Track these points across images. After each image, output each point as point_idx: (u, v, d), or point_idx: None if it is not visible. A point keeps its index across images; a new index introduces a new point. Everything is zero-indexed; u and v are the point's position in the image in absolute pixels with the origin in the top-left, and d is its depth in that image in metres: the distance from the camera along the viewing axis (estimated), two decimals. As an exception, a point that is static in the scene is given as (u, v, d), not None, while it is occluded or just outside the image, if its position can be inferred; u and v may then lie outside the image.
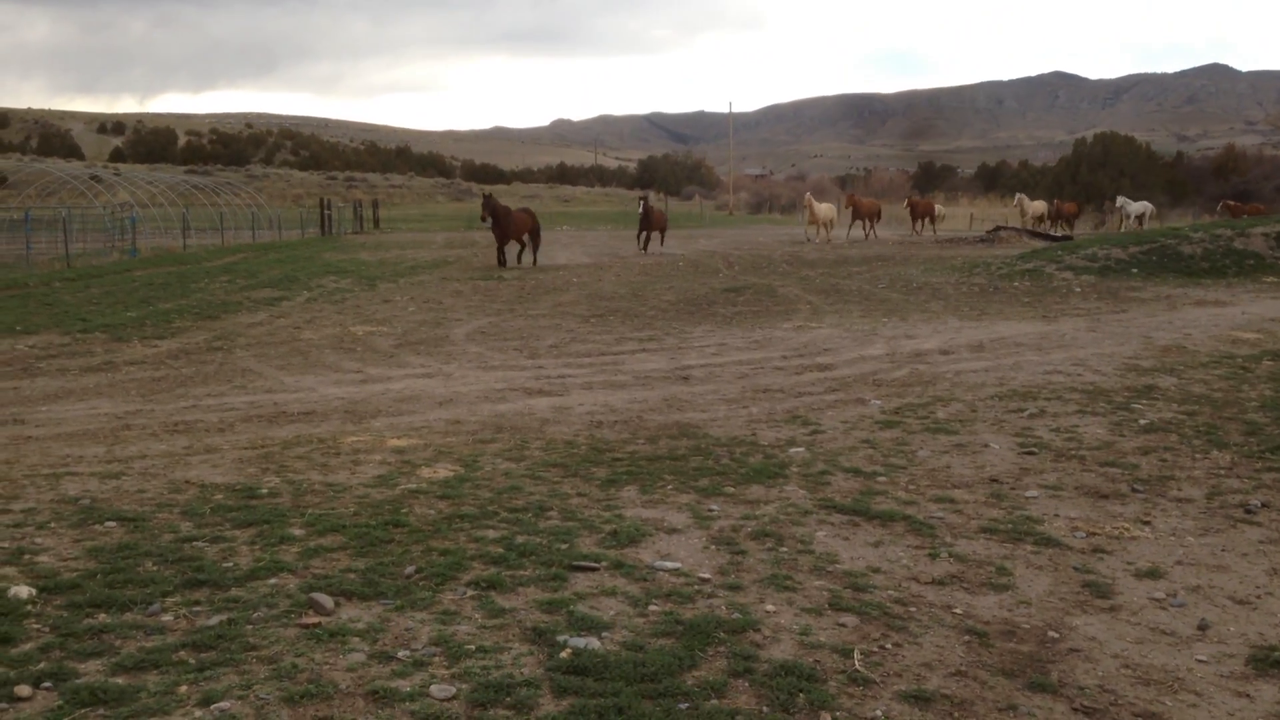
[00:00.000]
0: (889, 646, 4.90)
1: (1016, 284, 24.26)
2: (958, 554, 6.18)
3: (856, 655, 4.78)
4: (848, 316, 18.93)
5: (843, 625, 5.13)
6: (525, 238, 32.31)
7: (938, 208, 58.81)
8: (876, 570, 5.90)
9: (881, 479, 7.81)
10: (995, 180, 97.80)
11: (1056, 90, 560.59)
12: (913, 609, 5.36)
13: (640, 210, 38.08)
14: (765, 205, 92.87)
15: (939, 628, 5.14)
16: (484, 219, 31.13)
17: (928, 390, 11.52)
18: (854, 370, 12.96)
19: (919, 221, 52.09)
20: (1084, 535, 6.56)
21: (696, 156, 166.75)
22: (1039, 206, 55.24)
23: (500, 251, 31.78)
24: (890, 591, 5.59)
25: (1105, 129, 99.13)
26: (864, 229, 48.41)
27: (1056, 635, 5.09)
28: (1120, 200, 52.95)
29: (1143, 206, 52.07)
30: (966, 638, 5.03)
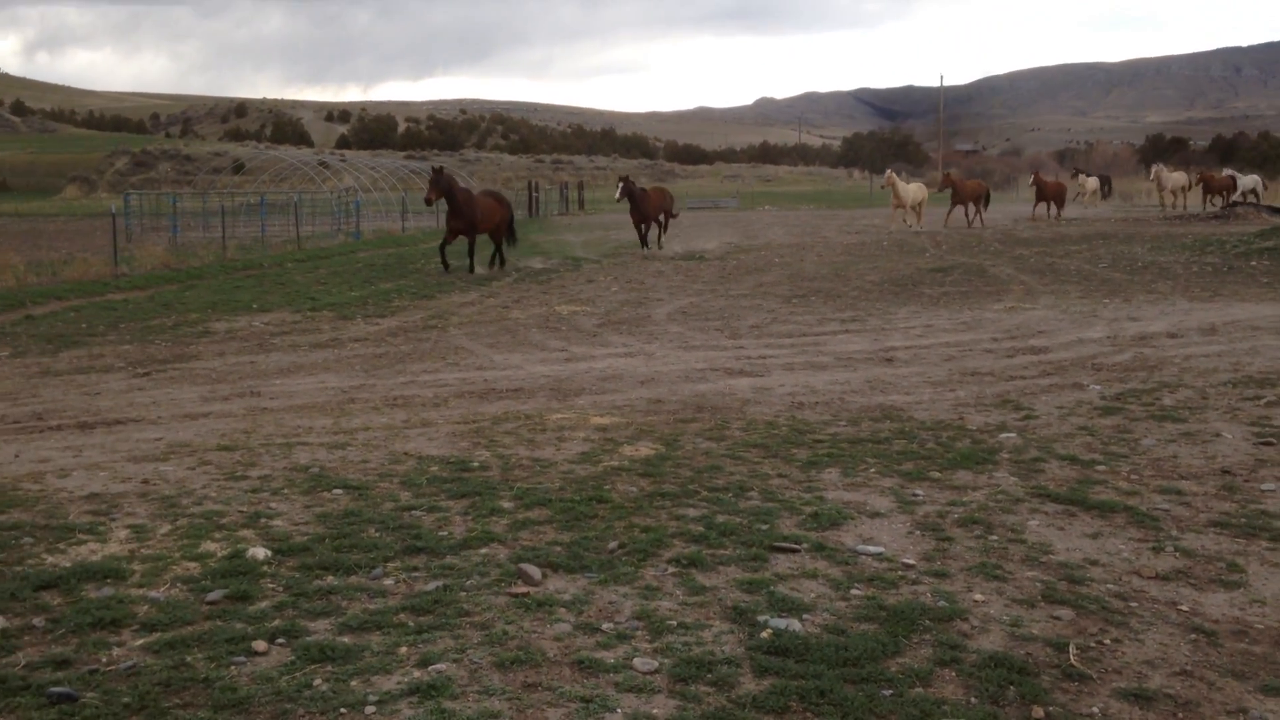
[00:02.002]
0: (1108, 642, 4.66)
1: (1254, 263, 22.57)
2: (1184, 548, 5.81)
3: (1072, 650, 4.57)
4: (1065, 297, 18.07)
5: (1057, 618, 4.91)
6: (496, 231, 25.26)
7: (1090, 182, 53.94)
8: (1094, 563, 5.62)
9: (1101, 468, 7.43)
10: (1232, 153, 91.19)
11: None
12: (1134, 604, 5.08)
13: (619, 194, 28.98)
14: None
15: (1163, 624, 4.85)
16: (429, 201, 23.44)
17: (1153, 375, 10.87)
18: (1071, 353, 12.37)
19: (1043, 204, 44.24)
20: (1330, 534, 6.05)
21: (904, 132, 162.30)
22: (1179, 179, 50.14)
23: (443, 247, 24.15)
24: (1109, 585, 5.31)
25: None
26: (967, 214, 40.39)
27: (1296, 639, 4.72)
28: (1226, 174, 48.99)
29: (1252, 181, 48.99)
30: (1193, 636, 4.73)
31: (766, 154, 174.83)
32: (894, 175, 39.50)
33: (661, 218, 31.25)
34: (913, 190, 39.27)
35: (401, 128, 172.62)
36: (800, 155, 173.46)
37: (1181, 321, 14.78)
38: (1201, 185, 48.69)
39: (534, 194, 61.49)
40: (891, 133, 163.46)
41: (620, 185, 29.22)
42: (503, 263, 25.31)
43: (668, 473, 7.36)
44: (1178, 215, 43.82)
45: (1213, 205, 47.40)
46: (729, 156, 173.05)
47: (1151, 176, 50.33)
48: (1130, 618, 4.93)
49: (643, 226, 29.93)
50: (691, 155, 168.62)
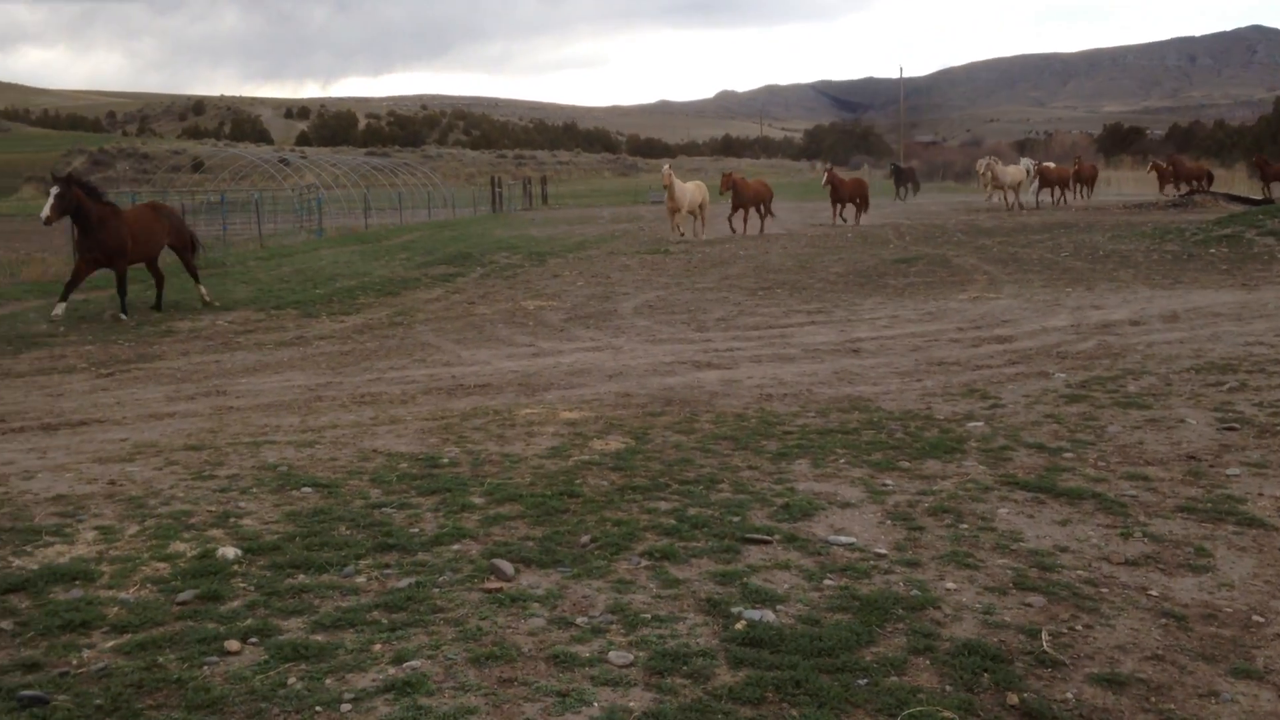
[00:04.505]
0: (1079, 628, 4.71)
1: (1213, 250, 22.86)
2: (1152, 534, 5.89)
3: (1044, 636, 4.62)
4: (1028, 286, 18.24)
5: (1029, 605, 4.96)
6: None
7: (1013, 171, 46.37)
8: (1064, 549, 5.68)
9: (1068, 455, 7.51)
10: (1188, 142, 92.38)
11: (1254, 45, 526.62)
12: (1104, 590, 5.14)
13: (49, 210, 15.52)
14: (937, 173, 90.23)
15: (1133, 610, 4.91)
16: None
17: (1117, 363, 10.99)
18: (1036, 342, 12.49)
19: (840, 206, 37.38)
20: (1292, 516, 6.14)
21: (865, 124, 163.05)
22: (1015, 173, 45.08)
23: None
24: (1079, 572, 5.37)
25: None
26: (744, 220, 33.64)
27: (1261, 619, 4.79)
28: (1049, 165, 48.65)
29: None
30: (1163, 620, 4.79)
31: (729, 147, 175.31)
32: (672, 173, 31.40)
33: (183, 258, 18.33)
34: (690, 191, 31.65)
35: (362, 124, 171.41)
36: (762, 148, 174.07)
37: (1144, 309, 14.96)
38: (1039, 178, 46.63)
39: (497, 189, 61.31)
40: (853, 125, 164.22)
41: (52, 196, 15.59)
42: None
43: (638, 466, 7.36)
44: (1009, 208, 42.43)
45: (1049, 198, 46.63)
46: (691, 150, 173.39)
47: (982, 170, 45.12)
48: (1101, 603, 4.98)
49: (104, 269, 16.88)
50: (654, 149, 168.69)
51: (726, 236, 32.16)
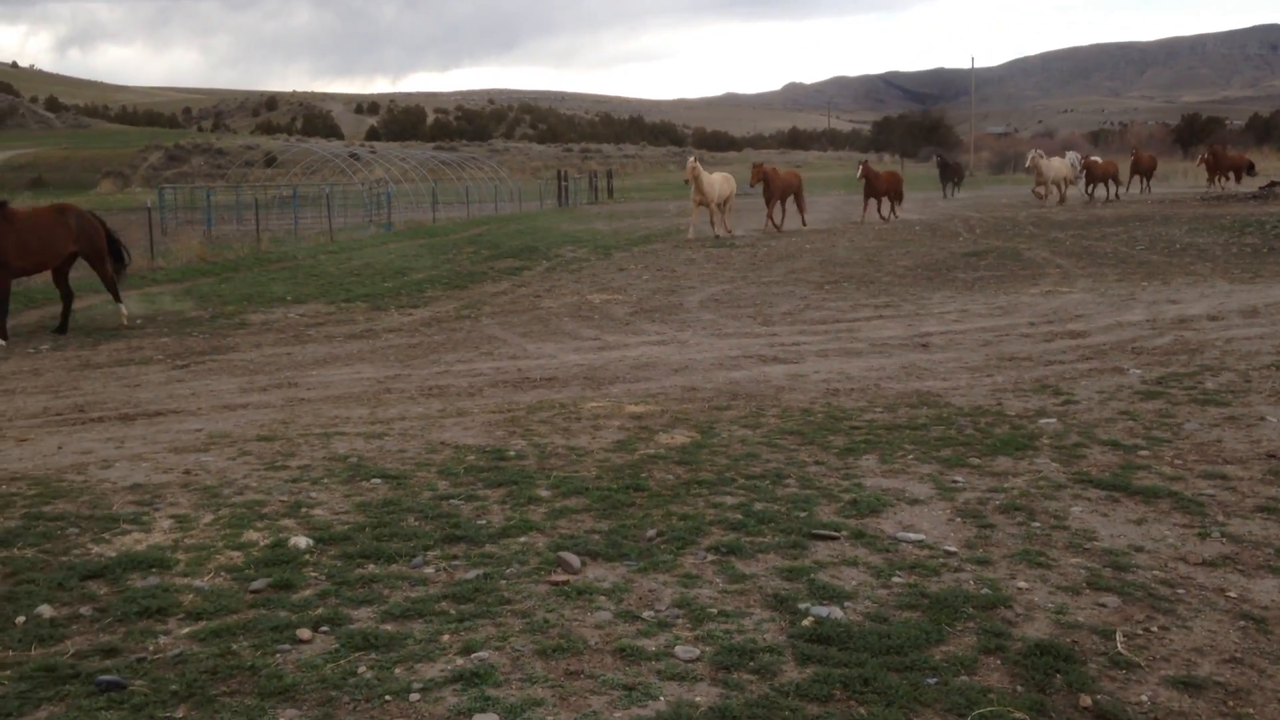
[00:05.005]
0: (1155, 629, 4.61)
1: (1295, 243, 22.22)
2: (1231, 534, 5.74)
3: (1119, 637, 4.52)
4: (1102, 280, 17.87)
5: (1103, 605, 4.86)
6: None
7: (1058, 164, 42.94)
8: (1139, 549, 5.56)
9: (1144, 453, 7.34)
10: (1270, 132, 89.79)
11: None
12: (1181, 591, 5.02)
13: None
14: (1009, 165, 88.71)
15: (1211, 611, 4.79)
16: None
17: (1194, 359, 10.73)
18: (1110, 337, 12.23)
19: (874, 201, 35.95)
20: (1381, 518, 5.94)
21: (935, 115, 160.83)
22: (1059, 167, 42.35)
23: None
24: (1155, 572, 5.25)
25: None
26: (771, 215, 32.31)
27: (1348, 626, 4.65)
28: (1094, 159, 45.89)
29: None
30: (1242, 623, 4.67)
31: (796, 139, 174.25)
32: (698, 165, 29.27)
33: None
34: (718, 184, 29.75)
35: (430, 119, 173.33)
36: (830, 140, 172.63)
37: (1222, 304, 14.58)
38: (1085, 172, 43.74)
39: (563, 183, 61.64)
40: (923, 116, 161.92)
41: None
42: None
43: (704, 460, 7.34)
44: (1054, 205, 39.87)
45: (1089, 194, 43.61)
46: (758, 143, 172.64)
47: (1028, 164, 42.28)
48: (1177, 605, 4.87)
49: None
50: (720, 142, 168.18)
51: (793, 230, 31.92)
